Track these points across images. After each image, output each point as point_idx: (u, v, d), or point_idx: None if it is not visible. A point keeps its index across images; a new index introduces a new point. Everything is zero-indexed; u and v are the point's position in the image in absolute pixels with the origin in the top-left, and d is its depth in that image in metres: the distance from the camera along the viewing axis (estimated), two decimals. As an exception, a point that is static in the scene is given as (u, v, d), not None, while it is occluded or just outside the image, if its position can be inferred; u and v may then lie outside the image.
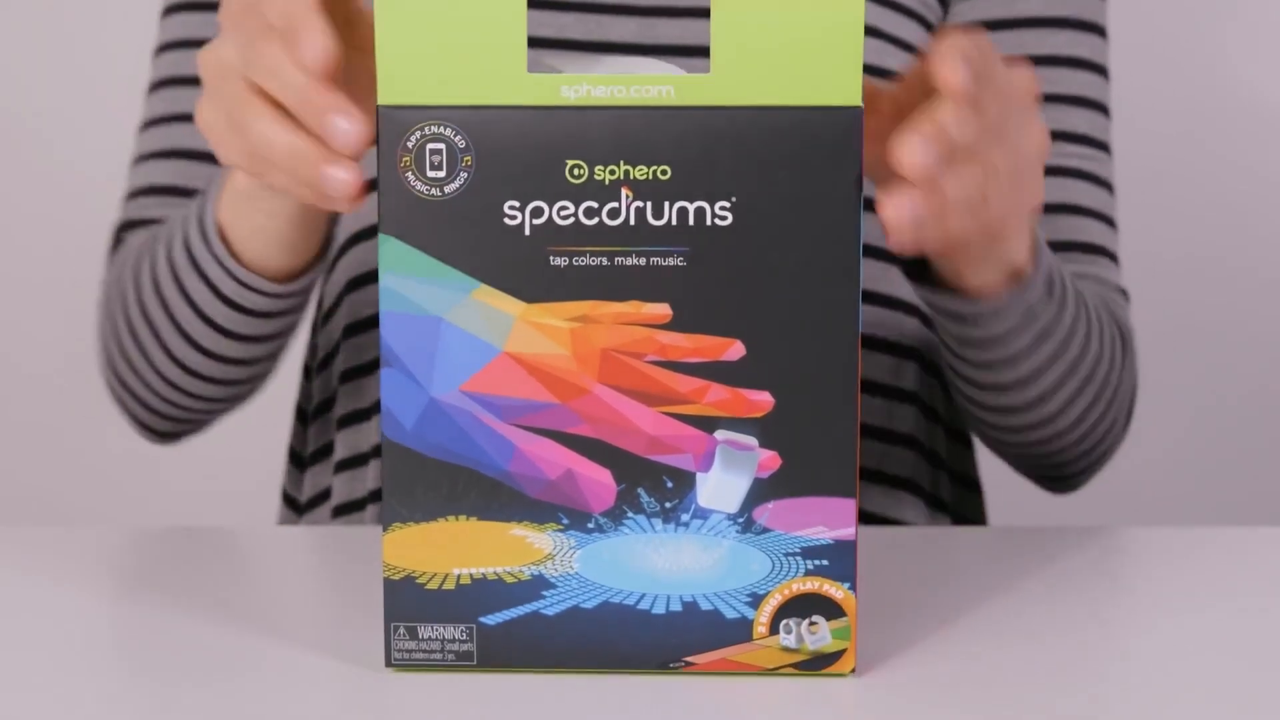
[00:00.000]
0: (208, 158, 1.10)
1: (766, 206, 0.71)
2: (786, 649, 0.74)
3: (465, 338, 0.72)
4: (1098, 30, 1.11)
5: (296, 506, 1.17)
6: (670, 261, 0.72)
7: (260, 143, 0.75)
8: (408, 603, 0.74)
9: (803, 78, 0.71)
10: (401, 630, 0.74)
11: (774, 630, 0.74)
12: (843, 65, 0.71)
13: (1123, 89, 1.51)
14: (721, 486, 0.73)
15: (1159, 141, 1.69)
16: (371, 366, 1.09)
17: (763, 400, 0.72)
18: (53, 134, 1.77)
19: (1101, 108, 1.11)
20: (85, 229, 1.78)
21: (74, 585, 0.86)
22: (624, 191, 0.71)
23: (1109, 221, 1.10)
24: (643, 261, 0.72)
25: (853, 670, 0.75)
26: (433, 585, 0.74)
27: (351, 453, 1.10)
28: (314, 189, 0.74)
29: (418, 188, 0.72)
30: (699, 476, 0.73)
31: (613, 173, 0.71)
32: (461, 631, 0.74)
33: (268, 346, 1.01)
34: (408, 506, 0.74)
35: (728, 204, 0.71)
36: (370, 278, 1.08)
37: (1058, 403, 0.99)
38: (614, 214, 0.72)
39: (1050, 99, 1.09)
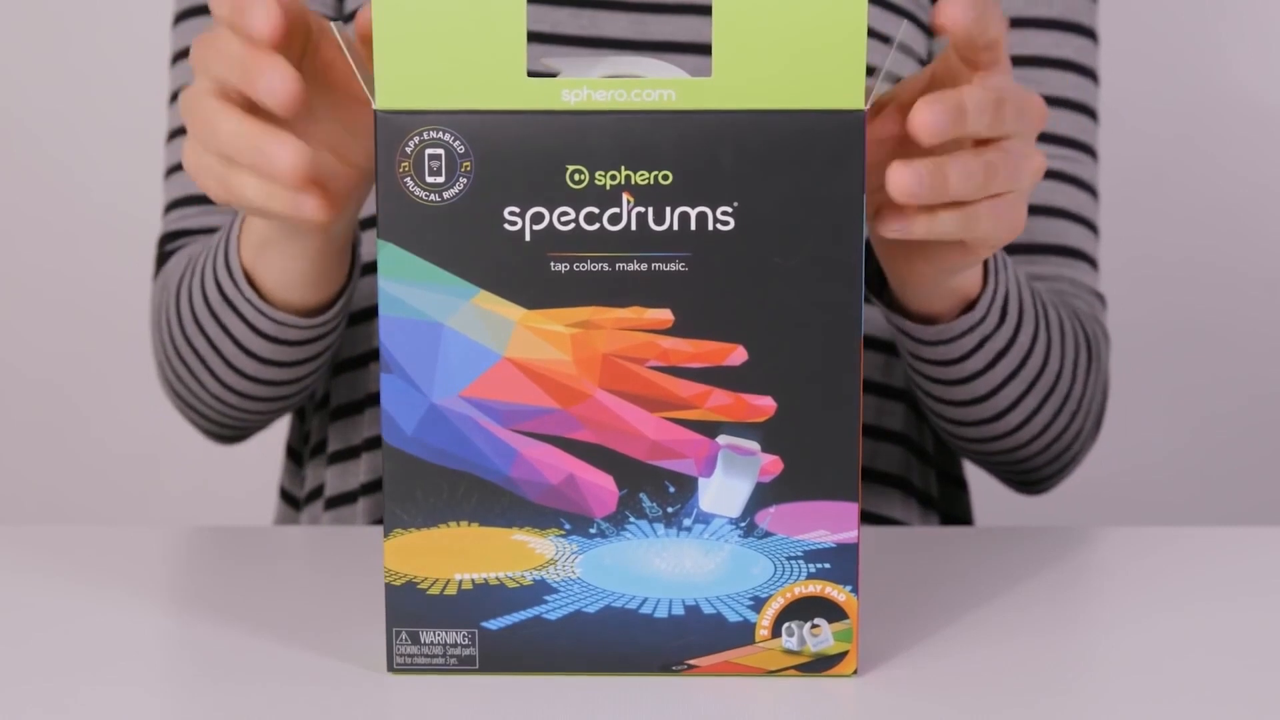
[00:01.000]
0: None
1: (769, 211, 0.71)
2: (789, 651, 0.74)
3: (466, 343, 0.72)
4: (1086, 32, 1.11)
5: (294, 502, 1.17)
6: (672, 267, 0.72)
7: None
8: (409, 608, 0.74)
9: (805, 81, 0.71)
10: (403, 635, 0.74)
11: (776, 633, 0.74)
12: (845, 68, 0.70)
13: (1121, 92, 1.52)
14: (724, 491, 0.73)
15: (1158, 144, 1.69)
16: (364, 359, 1.09)
17: (765, 405, 0.72)
18: (53, 134, 1.77)
19: (1087, 110, 1.10)
20: (85, 230, 1.78)
21: (73, 585, 0.86)
22: (625, 197, 0.71)
23: (1089, 225, 1.10)
24: (644, 267, 0.72)
25: (855, 672, 0.75)
26: (434, 590, 0.74)
27: (343, 445, 1.10)
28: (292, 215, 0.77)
29: (416, 193, 0.72)
30: (701, 481, 0.73)
31: (614, 178, 0.71)
32: (463, 636, 0.74)
33: (314, 364, 1.01)
34: (409, 512, 0.73)
35: (730, 209, 0.71)
36: (363, 270, 1.08)
37: (1018, 417, 0.99)
38: (615, 219, 0.71)
39: None
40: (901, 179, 0.72)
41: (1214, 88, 1.70)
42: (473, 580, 0.74)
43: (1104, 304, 1.09)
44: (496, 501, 0.73)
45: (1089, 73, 1.11)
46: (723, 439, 0.72)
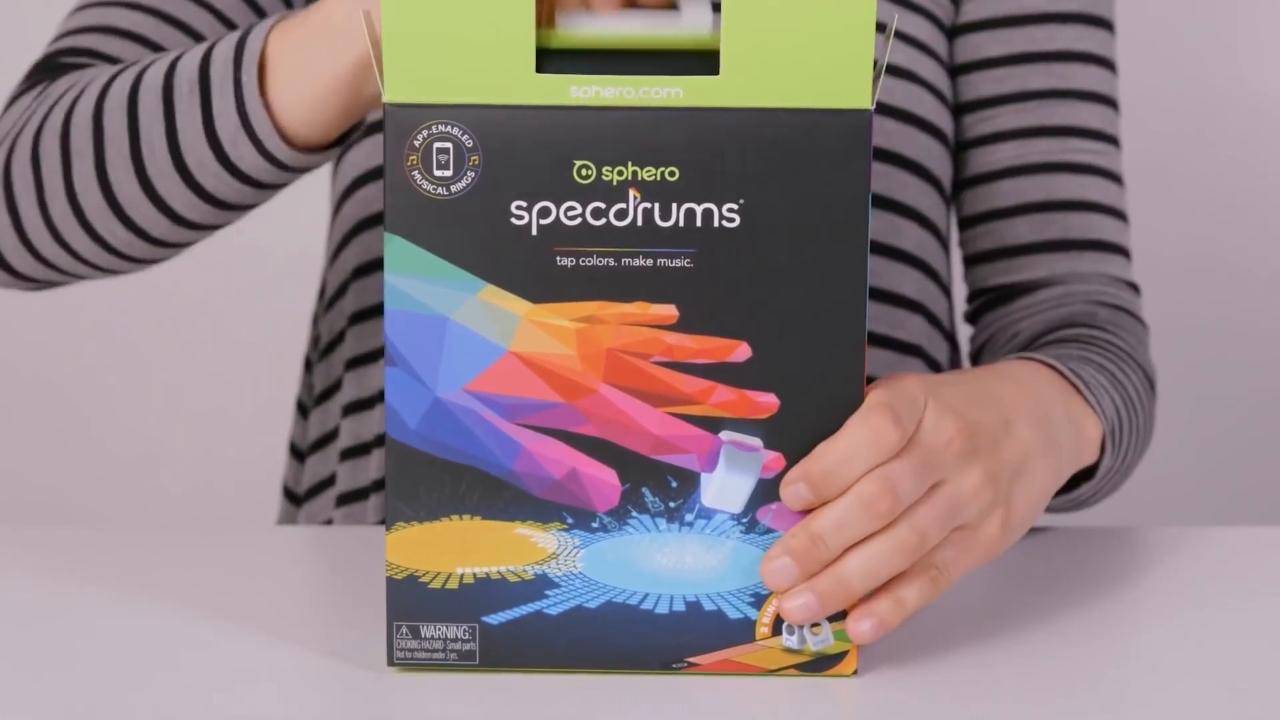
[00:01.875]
0: (188, 31, 1.03)
1: (774, 208, 0.71)
2: (789, 650, 0.74)
3: (471, 337, 0.72)
4: (1105, 24, 1.12)
5: (295, 499, 1.17)
6: (677, 263, 0.72)
7: None
8: (410, 602, 0.74)
9: (812, 80, 0.71)
10: (404, 629, 0.74)
11: (777, 631, 0.74)
12: (852, 68, 0.71)
13: (1129, 87, 1.52)
14: (726, 487, 0.73)
15: (1164, 139, 1.70)
16: (377, 354, 1.09)
17: (768, 401, 0.72)
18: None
19: (1110, 101, 1.12)
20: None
21: (74, 585, 0.86)
22: (631, 192, 0.71)
23: (1121, 216, 1.11)
24: (650, 262, 0.72)
25: (855, 671, 0.75)
26: (436, 584, 0.74)
27: (355, 441, 1.10)
28: None
29: (424, 187, 0.72)
30: (703, 477, 0.73)
31: (620, 173, 0.71)
32: (464, 631, 0.74)
33: (212, 216, 0.91)
34: (411, 506, 0.73)
35: (735, 206, 0.71)
36: (377, 265, 1.08)
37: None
38: (621, 215, 0.72)
39: (1061, 94, 1.10)
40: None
41: (1221, 83, 1.70)
42: (474, 574, 0.74)
43: (1138, 293, 1.10)
44: (499, 495, 0.73)
45: (1110, 64, 1.12)
46: (725, 435, 0.73)
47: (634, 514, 0.73)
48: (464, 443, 0.73)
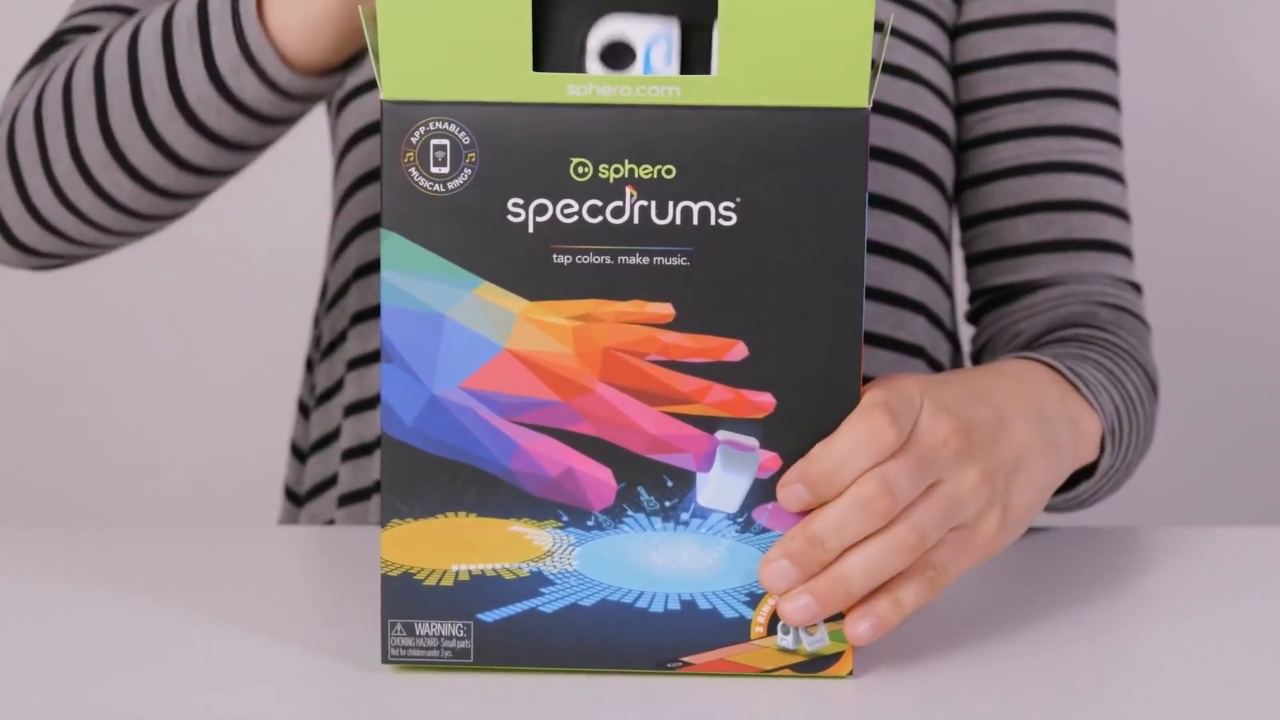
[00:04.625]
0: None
1: (771, 207, 0.71)
2: (784, 650, 0.74)
3: (467, 335, 0.72)
4: (1108, 23, 1.13)
5: (297, 499, 1.17)
6: (674, 261, 0.72)
7: None
8: (405, 599, 0.74)
9: (809, 79, 0.71)
10: (398, 627, 0.74)
11: (772, 630, 0.74)
12: (850, 66, 0.71)
13: (1129, 85, 1.52)
14: (722, 486, 0.73)
15: (1164, 138, 1.70)
16: (380, 354, 1.09)
17: (764, 401, 0.72)
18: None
19: (1112, 101, 1.13)
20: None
21: (74, 585, 0.86)
22: (628, 190, 0.71)
23: (1123, 215, 1.12)
24: (646, 261, 0.72)
25: (850, 673, 0.75)
26: (430, 582, 0.74)
27: (357, 441, 1.10)
28: None
29: (421, 184, 0.72)
30: (699, 476, 0.73)
31: (617, 171, 0.71)
32: (459, 628, 0.74)
33: (217, 159, 0.91)
34: (407, 503, 0.73)
35: (732, 204, 0.71)
36: (380, 265, 1.08)
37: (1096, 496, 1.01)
38: (618, 213, 0.72)
39: (1063, 94, 1.10)
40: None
41: (1222, 81, 1.70)
42: (469, 571, 0.74)
43: (1140, 293, 1.11)
44: (495, 493, 0.73)
45: (1112, 63, 1.13)
46: (721, 434, 0.73)
47: (630, 513, 0.73)
48: (460, 440, 0.73)
